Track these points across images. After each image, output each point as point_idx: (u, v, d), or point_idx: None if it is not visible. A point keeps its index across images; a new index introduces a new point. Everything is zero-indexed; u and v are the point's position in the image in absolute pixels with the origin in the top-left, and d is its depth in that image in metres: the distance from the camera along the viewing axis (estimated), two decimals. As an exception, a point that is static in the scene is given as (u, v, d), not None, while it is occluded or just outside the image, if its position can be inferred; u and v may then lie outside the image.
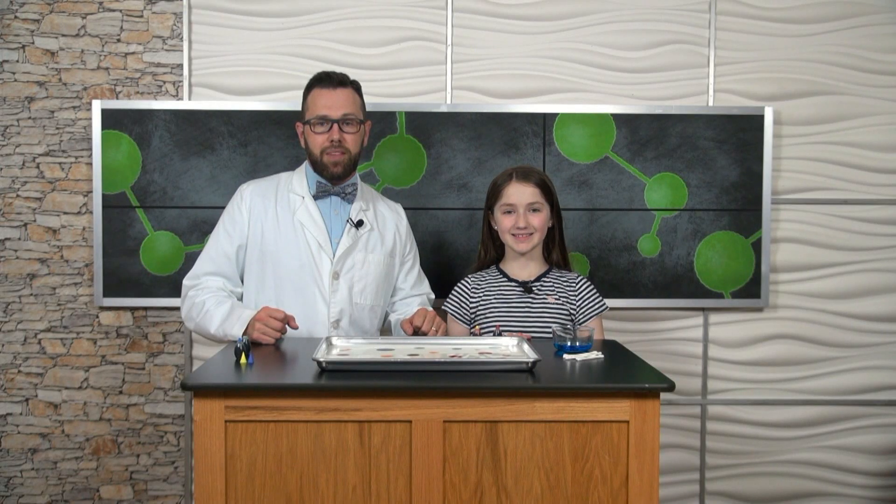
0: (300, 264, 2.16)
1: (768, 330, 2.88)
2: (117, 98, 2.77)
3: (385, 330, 2.36)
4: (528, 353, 1.71)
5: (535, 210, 2.20)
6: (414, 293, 2.35)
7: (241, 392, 1.55)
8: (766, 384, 2.89)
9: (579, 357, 1.77)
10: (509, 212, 2.21)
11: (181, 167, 2.73)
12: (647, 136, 2.78)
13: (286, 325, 2.00)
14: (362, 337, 2.03)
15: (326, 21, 2.79)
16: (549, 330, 2.05)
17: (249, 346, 1.73)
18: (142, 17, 2.77)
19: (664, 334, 2.88)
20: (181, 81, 2.78)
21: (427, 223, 2.77)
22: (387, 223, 2.29)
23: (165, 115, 2.72)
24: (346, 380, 1.56)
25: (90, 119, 2.75)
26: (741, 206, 2.81)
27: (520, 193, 2.20)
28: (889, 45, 2.85)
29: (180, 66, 2.78)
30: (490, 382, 1.56)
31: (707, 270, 2.82)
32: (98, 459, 2.83)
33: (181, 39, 2.77)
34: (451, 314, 2.28)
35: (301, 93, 2.22)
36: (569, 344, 1.83)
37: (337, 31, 2.79)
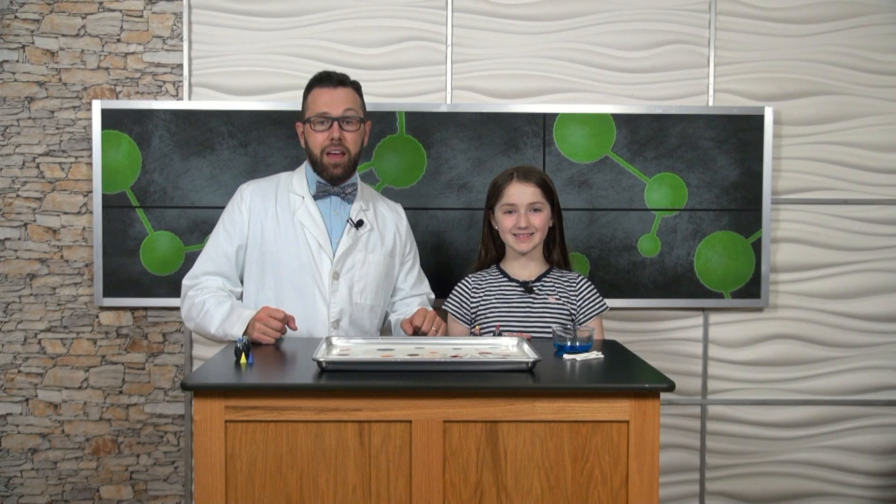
0: (300, 264, 2.16)
1: (768, 330, 2.88)
2: (117, 98, 2.77)
3: (385, 330, 2.36)
4: (528, 353, 1.71)
5: (535, 210, 2.20)
6: (414, 293, 2.35)
7: (241, 392, 1.55)
8: (766, 384, 2.89)
9: (579, 357, 1.77)
10: (510, 211, 2.21)
11: (181, 167, 2.73)
12: (647, 136, 2.78)
13: (286, 326, 2.00)
14: (362, 337, 2.03)
15: (326, 21, 2.79)
16: (550, 330, 2.05)
17: (249, 346, 1.73)
18: (142, 17, 2.77)
19: (664, 334, 2.88)
20: (181, 81, 2.78)
21: (427, 223, 2.77)
22: (387, 223, 2.29)
23: (165, 115, 2.72)
24: (346, 380, 1.56)
25: (90, 119, 2.75)
26: (741, 206, 2.81)
27: (521, 193, 2.20)
28: (889, 45, 2.85)
29: (180, 66, 2.78)
30: (490, 382, 1.56)
31: (707, 270, 2.82)
32: (98, 459, 2.83)
33: (181, 39, 2.77)
34: (452, 314, 2.28)
35: (301, 93, 2.22)
36: (569, 344, 1.83)
37: (337, 31, 2.79)
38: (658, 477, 1.56)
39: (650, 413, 1.55)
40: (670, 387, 1.54)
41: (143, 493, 2.84)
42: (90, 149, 2.76)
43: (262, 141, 2.74)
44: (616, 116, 2.78)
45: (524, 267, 2.26)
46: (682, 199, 2.80)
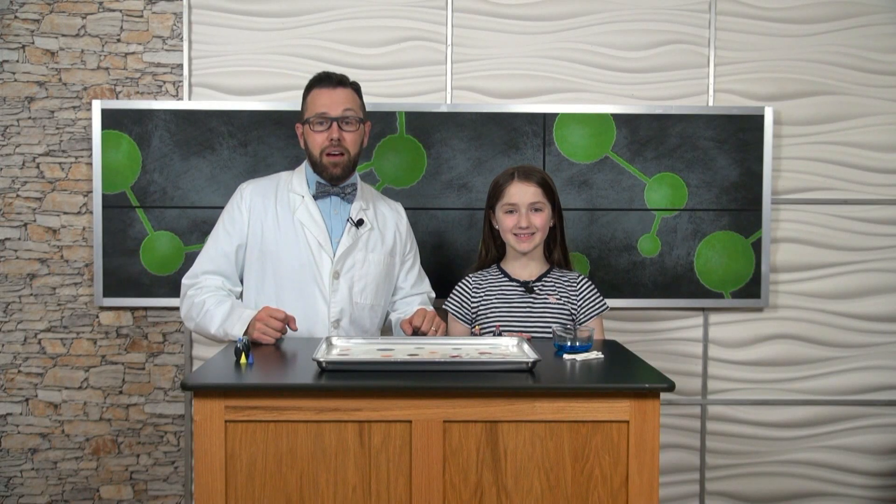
0: (300, 264, 2.16)
1: (768, 330, 2.88)
2: (117, 98, 2.77)
3: (386, 329, 2.36)
4: (528, 353, 1.71)
5: (536, 210, 2.20)
6: (414, 292, 2.35)
7: (241, 392, 1.55)
8: (766, 384, 2.89)
9: (579, 357, 1.77)
10: (511, 211, 2.21)
11: (181, 167, 2.73)
12: (647, 136, 2.78)
13: (286, 326, 2.00)
14: (362, 337, 2.03)
15: (326, 21, 2.79)
16: (550, 330, 2.05)
17: (249, 346, 1.73)
18: (142, 17, 2.77)
19: (664, 334, 2.88)
20: (181, 81, 2.78)
21: (427, 223, 2.77)
22: (387, 222, 2.29)
23: (165, 115, 2.72)
24: (346, 380, 1.56)
25: (90, 119, 2.75)
26: (741, 206, 2.81)
27: (521, 193, 2.20)
28: (889, 45, 2.85)
29: (180, 66, 2.78)
30: (490, 382, 1.56)
31: (707, 270, 2.82)
32: (98, 459, 2.83)
33: (181, 39, 2.77)
34: (453, 314, 2.28)
35: (301, 93, 2.22)
36: (569, 344, 1.83)
37: (337, 31, 2.79)
38: (658, 477, 1.56)
39: (650, 413, 1.55)
40: (670, 387, 1.54)
41: (143, 493, 2.84)
42: (90, 149, 2.76)
43: (262, 141, 2.74)
44: (616, 116, 2.78)
45: (525, 267, 2.26)
46: (682, 199, 2.80)
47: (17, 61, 2.76)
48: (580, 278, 2.28)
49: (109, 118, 2.72)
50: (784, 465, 2.90)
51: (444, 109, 2.76)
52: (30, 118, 2.76)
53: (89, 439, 2.82)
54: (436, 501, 1.55)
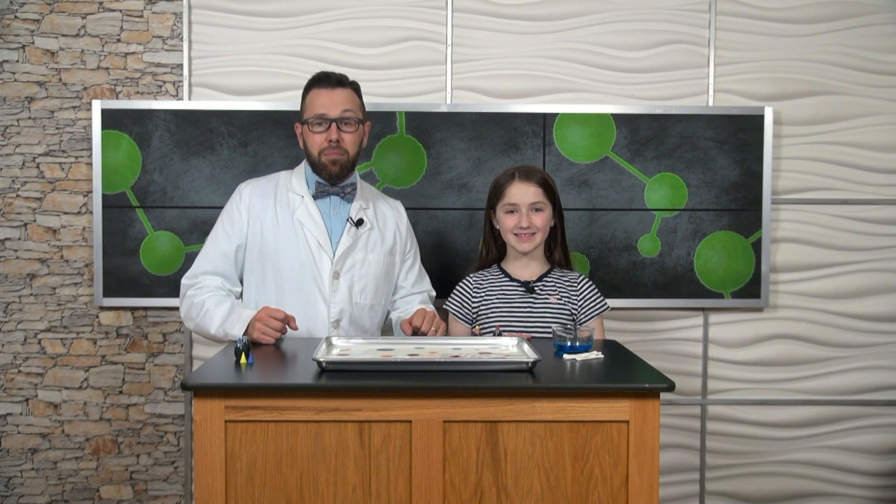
0: (300, 264, 2.16)
1: (768, 330, 2.88)
2: (117, 98, 2.77)
3: (386, 328, 2.36)
4: (528, 353, 1.71)
5: (537, 210, 2.20)
6: (415, 291, 2.35)
7: (241, 392, 1.55)
8: (766, 384, 2.89)
9: (579, 357, 1.77)
10: (512, 211, 2.21)
11: (181, 167, 2.73)
12: (647, 136, 2.78)
13: (286, 326, 2.00)
14: (362, 337, 2.02)
15: (326, 21, 2.79)
16: (551, 330, 2.05)
17: (249, 346, 1.73)
18: (142, 17, 2.77)
19: (664, 334, 2.88)
20: (181, 81, 2.78)
21: (427, 223, 2.77)
22: (387, 221, 2.29)
23: (165, 115, 2.72)
24: (346, 380, 1.56)
25: (90, 119, 2.75)
26: (741, 206, 2.81)
27: (522, 193, 2.20)
28: (889, 45, 2.85)
29: (180, 66, 2.78)
30: (490, 382, 1.56)
31: (707, 270, 2.82)
32: (98, 459, 2.83)
33: (181, 39, 2.77)
34: (453, 314, 2.28)
35: (301, 93, 2.22)
36: (569, 344, 1.83)
37: (337, 31, 2.79)
38: (658, 477, 1.56)
39: (650, 413, 1.55)
40: (670, 387, 1.54)
41: (143, 493, 2.84)
42: (90, 149, 2.76)
43: (262, 141, 2.74)
44: (616, 116, 2.78)
45: (525, 267, 2.26)
46: (682, 199, 2.80)
47: (17, 61, 2.76)
48: (581, 278, 2.28)
49: (109, 118, 2.72)
50: (784, 465, 2.90)
51: (444, 109, 2.76)
52: (30, 118, 2.76)
53: (89, 439, 2.82)
54: (436, 501, 1.55)
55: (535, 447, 1.56)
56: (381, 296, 2.26)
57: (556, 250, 2.29)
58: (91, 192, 2.77)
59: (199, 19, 2.77)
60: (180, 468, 2.84)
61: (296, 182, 2.23)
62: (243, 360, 1.71)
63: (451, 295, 2.29)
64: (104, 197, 2.73)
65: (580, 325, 2.21)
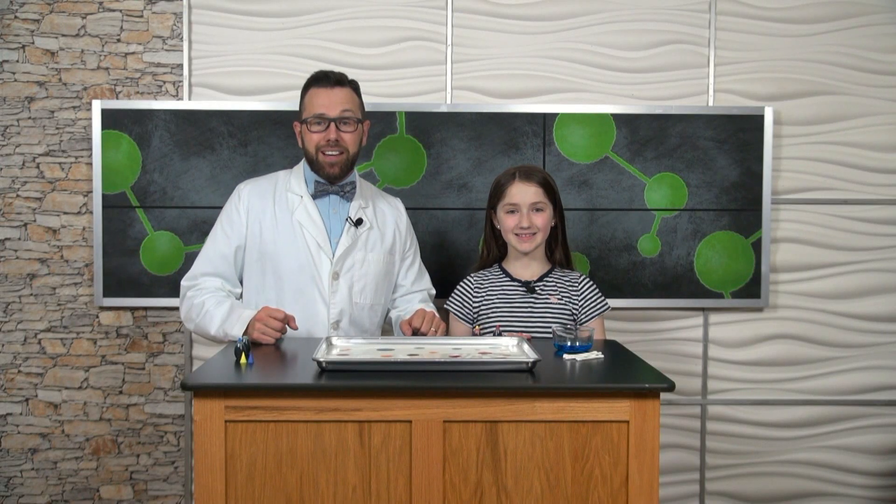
0: (299, 265, 2.15)
1: (768, 330, 2.88)
2: (117, 98, 2.77)
3: (386, 327, 2.35)
4: (528, 353, 1.71)
5: (538, 210, 2.20)
6: (415, 289, 2.35)
7: (241, 392, 1.55)
8: (766, 384, 2.89)
9: (579, 357, 1.77)
10: (512, 211, 2.21)
11: (181, 167, 2.73)
12: (647, 136, 2.78)
13: (286, 326, 1.99)
14: (362, 337, 2.02)
15: (326, 21, 2.79)
16: (551, 330, 2.05)
17: (249, 346, 1.73)
18: (142, 17, 2.77)
19: (664, 334, 2.88)
20: (181, 81, 2.78)
21: (427, 223, 2.77)
22: (386, 220, 2.28)
23: (165, 115, 2.72)
24: (346, 380, 1.56)
25: (90, 119, 2.75)
26: (741, 206, 2.81)
27: (523, 193, 2.20)
28: (889, 45, 2.85)
29: (180, 66, 2.78)
30: (490, 382, 1.56)
31: (707, 270, 2.82)
32: (98, 459, 2.83)
33: (181, 39, 2.77)
34: (454, 314, 2.28)
35: (300, 92, 2.22)
36: (569, 344, 1.83)
37: (337, 31, 2.79)
38: (658, 477, 1.56)
39: (650, 413, 1.55)
40: (670, 387, 1.54)
41: (143, 493, 2.84)
42: (90, 149, 2.76)
43: (262, 141, 2.74)
44: (616, 116, 2.78)
45: (526, 267, 2.26)
46: (682, 199, 2.80)
47: (17, 61, 2.76)
48: (582, 278, 2.28)
49: (109, 118, 2.72)
50: (784, 465, 2.90)
51: (444, 109, 2.76)
52: (30, 118, 2.76)
53: (89, 439, 2.82)
54: (436, 501, 1.55)
55: (535, 447, 1.56)
56: (381, 295, 2.26)
57: (557, 250, 2.29)
58: (91, 192, 2.77)
59: (199, 19, 2.77)
60: (180, 468, 2.84)
61: (294, 182, 2.22)
62: (243, 360, 1.71)
63: (452, 295, 2.29)
64: (104, 197, 2.73)
65: (581, 325, 2.21)
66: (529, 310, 2.20)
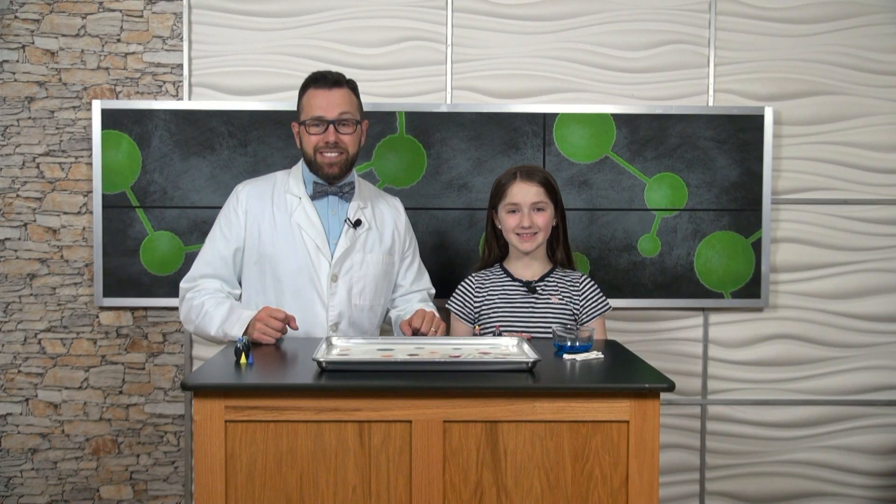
0: (298, 267, 2.15)
1: (768, 330, 2.88)
2: (117, 98, 2.77)
3: (386, 327, 2.35)
4: (528, 353, 1.71)
5: (539, 209, 2.20)
6: (414, 289, 2.34)
7: (241, 392, 1.55)
8: (766, 384, 2.89)
9: (579, 357, 1.77)
10: (514, 211, 2.21)
11: (181, 167, 2.73)
12: (647, 136, 2.78)
13: (286, 326, 1.99)
14: (362, 337, 2.02)
15: (326, 21, 2.79)
16: (552, 330, 2.05)
17: (249, 346, 1.73)
18: (142, 17, 2.77)
19: (664, 334, 2.88)
20: (181, 81, 2.78)
21: (427, 223, 2.77)
22: (385, 220, 2.28)
23: (165, 115, 2.72)
24: (346, 380, 1.56)
25: (90, 119, 2.75)
26: (741, 206, 2.81)
27: (524, 193, 2.20)
28: (889, 45, 2.85)
29: (180, 66, 2.78)
30: (490, 382, 1.56)
31: (707, 270, 2.82)
32: (98, 459, 2.83)
33: (181, 39, 2.77)
34: (455, 314, 2.28)
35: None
36: (569, 344, 1.83)
37: (337, 31, 2.79)
38: (658, 477, 1.56)
39: (650, 413, 1.55)
40: (670, 387, 1.54)
41: (143, 493, 2.84)
42: (90, 149, 2.76)
43: (262, 141, 2.74)
44: (616, 116, 2.78)
45: (527, 266, 2.26)
46: (682, 199, 2.80)
47: (17, 61, 2.76)
48: (583, 278, 2.28)
49: (109, 118, 2.72)
50: (784, 465, 2.90)
51: (444, 109, 2.76)
52: (30, 118, 2.76)
53: (89, 439, 2.82)
54: (436, 501, 1.55)
55: (535, 447, 1.56)
56: (381, 296, 2.25)
57: (559, 250, 2.29)
58: (91, 192, 2.77)
59: (199, 19, 2.77)
60: (180, 468, 2.84)
61: (293, 183, 2.21)
62: (243, 360, 1.71)
63: (453, 294, 2.29)
64: (104, 197, 2.73)
65: (582, 325, 2.21)
66: (531, 310, 2.20)
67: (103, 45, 2.77)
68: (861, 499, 2.92)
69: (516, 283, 2.24)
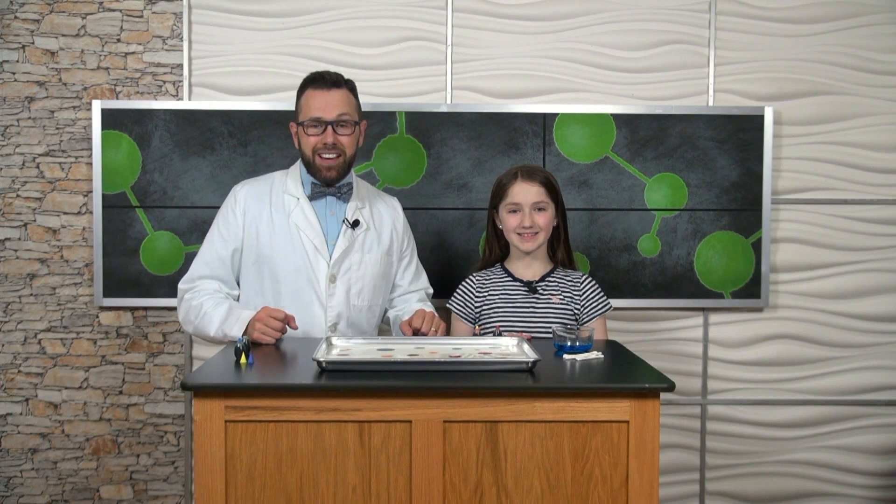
0: (296, 268, 2.14)
1: (768, 330, 2.88)
2: (117, 98, 2.77)
3: (384, 327, 2.35)
4: (528, 353, 1.71)
5: (540, 209, 2.20)
6: (412, 289, 2.34)
7: (241, 392, 1.55)
8: (766, 384, 2.89)
9: (579, 357, 1.77)
10: (514, 211, 2.21)
11: (181, 167, 2.73)
12: (647, 136, 2.78)
13: (286, 325, 1.99)
14: (362, 337, 2.02)
15: (326, 21, 2.79)
16: (552, 330, 2.05)
17: (249, 346, 1.73)
18: (142, 17, 2.77)
19: (664, 334, 2.88)
20: (181, 81, 2.78)
21: (427, 223, 2.77)
22: (383, 220, 2.28)
23: (165, 115, 2.72)
24: (346, 380, 1.56)
25: (90, 119, 2.75)
26: (741, 206, 2.81)
27: (525, 192, 2.20)
28: (889, 45, 2.85)
29: (180, 66, 2.78)
30: (490, 382, 1.56)
31: (707, 270, 2.82)
32: (98, 459, 2.83)
33: (181, 39, 2.77)
34: (456, 313, 2.27)
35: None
36: (569, 344, 1.83)
37: (337, 31, 2.79)
38: (658, 477, 1.56)
39: (650, 413, 1.55)
40: (670, 387, 1.54)
41: (143, 493, 2.84)
42: (90, 149, 2.76)
43: (262, 141, 2.74)
44: (616, 116, 2.78)
45: (528, 266, 2.26)
46: (682, 199, 2.80)
47: (17, 61, 2.76)
48: (584, 278, 2.28)
49: (109, 118, 2.72)
50: (784, 465, 2.90)
51: (444, 109, 2.76)
52: (30, 118, 2.76)
53: (89, 439, 2.82)
54: (436, 501, 1.55)
55: (535, 447, 1.56)
56: (379, 296, 2.25)
57: (559, 250, 2.29)
58: (91, 192, 2.77)
59: (199, 19, 2.77)
60: (180, 468, 2.84)
61: (291, 183, 2.21)
62: (243, 360, 1.71)
63: (454, 294, 2.29)
64: (104, 197, 2.73)
65: (583, 324, 2.21)
66: (531, 309, 2.20)
67: (103, 45, 2.77)
68: (861, 499, 2.92)
69: (517, 283, 2.24)
